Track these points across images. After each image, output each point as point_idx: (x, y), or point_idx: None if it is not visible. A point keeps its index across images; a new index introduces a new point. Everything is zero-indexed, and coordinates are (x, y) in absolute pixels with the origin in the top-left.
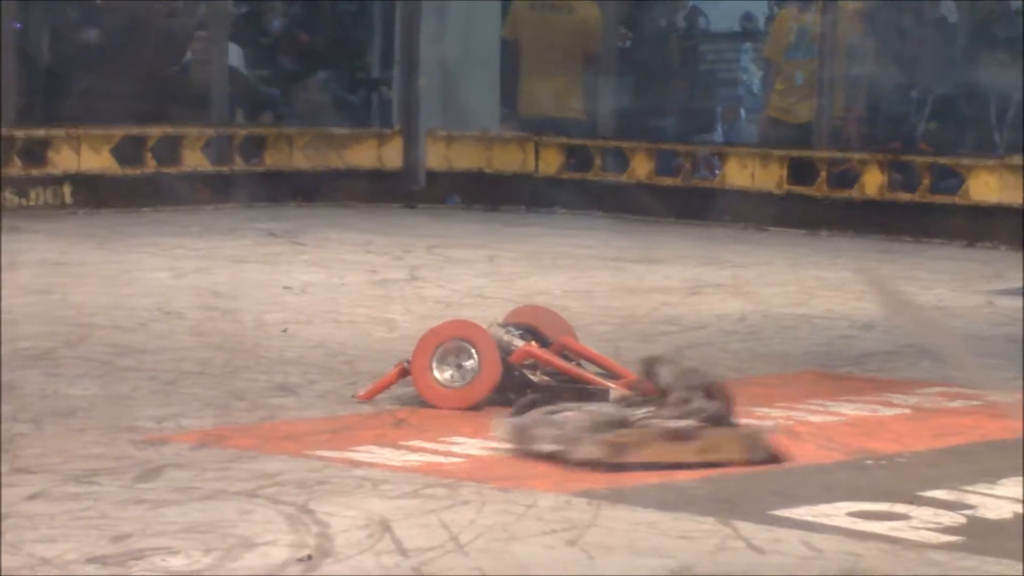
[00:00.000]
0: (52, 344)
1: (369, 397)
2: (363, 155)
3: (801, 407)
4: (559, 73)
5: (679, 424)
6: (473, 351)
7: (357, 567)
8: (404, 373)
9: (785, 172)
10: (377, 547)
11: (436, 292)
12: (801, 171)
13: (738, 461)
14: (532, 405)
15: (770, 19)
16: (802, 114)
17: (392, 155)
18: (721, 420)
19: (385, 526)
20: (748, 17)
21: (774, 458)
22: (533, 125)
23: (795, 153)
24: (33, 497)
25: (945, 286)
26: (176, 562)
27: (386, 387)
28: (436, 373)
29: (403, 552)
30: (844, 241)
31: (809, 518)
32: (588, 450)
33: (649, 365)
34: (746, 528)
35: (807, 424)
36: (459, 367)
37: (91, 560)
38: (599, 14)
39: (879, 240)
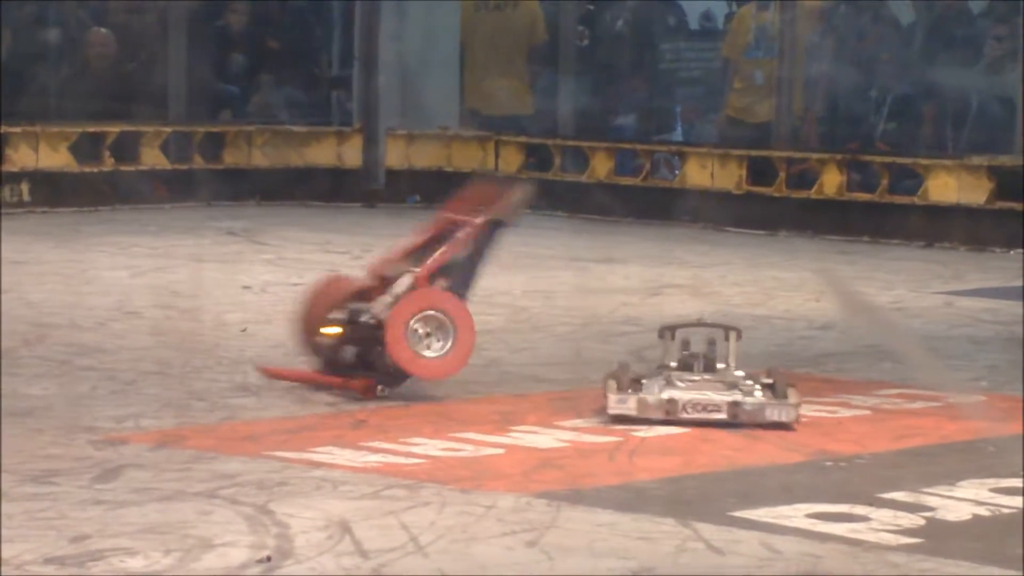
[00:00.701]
0: (10, 343)
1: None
2: (322, 154)
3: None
4: (507, 71)
5: None
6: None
7: (317, 568)
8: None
9: (744, 172)
10: (337, 548)
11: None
12: (760, 171)
13: None
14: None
15: (729, 18)
16: (761, 114)
17: (352, 154)
18: None
19: (345, 527)
20: (707, 16)
21: None
22: (488, 123)
23: (754, 153)
24: None
25: (904, 286)
26: (135, 563)
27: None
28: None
29: (363, 553)
30: (803, 241)
31: (769, 519)
32: None
33: None
34: (706, 529)
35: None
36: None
37: (49, 560)
38: (538, 9)
39: (838, 240)
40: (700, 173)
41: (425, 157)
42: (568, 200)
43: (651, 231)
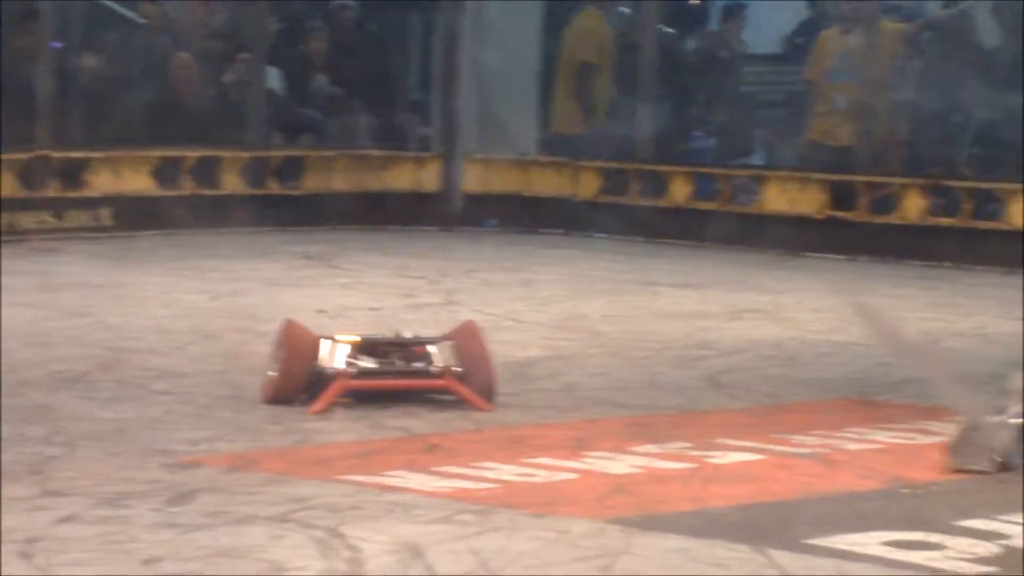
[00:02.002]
0: (87, 367)
1: (321, 410)
2: (400, 178)
3: (837, 435)
4: (582, 94)
5: None
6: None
7: None
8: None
9: (825, 197)
10: (408, 572)
11: (472, 317)
12: (841, 196)
13: None
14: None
15: (812, 41)
16: (843, 138)
17: (430, 178)
18: None
19: (416, 552)
20: (789, 39)
21: None
22: (564, 144)
23: (836, 177)
24: (65, 520)
25: (986, 313)
26: None
27: (332, 399)
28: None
29: None
30: (884, 267)
31: (843, 547)
32: None
33: None
34: (780, 556)
35: (843, 452)
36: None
37: None
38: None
39: (919, 266)
40: (780, 198)
41: (503, 182)
42: (646, 225)
43: (730, 256)
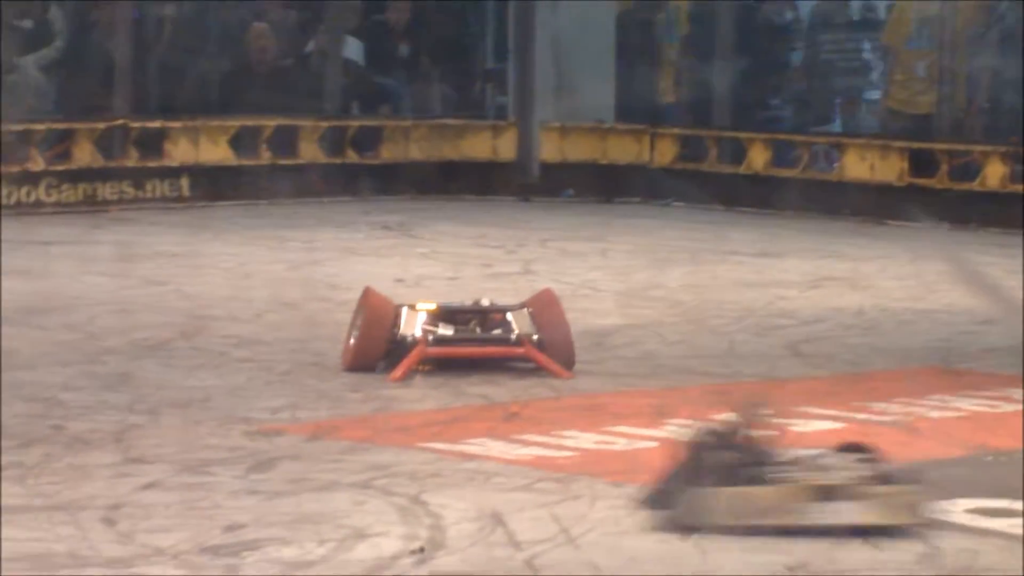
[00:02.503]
0: (169, 335)
1: (400, 378)
2: (477, 147)
3: (920, 403)
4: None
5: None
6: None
7: (469, 559)
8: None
9: (906, 164)
10: (489, 539)
11: (550, 286)
12: (922, 163)
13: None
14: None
15: (890, 8)
16: (923, 105)
17: (506, 147)
18: (885, 478)
19: (497, 519)
20: (868, 6)
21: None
22: (641, 112)
23: (916, 145)
24: (147, 487)
25: None
26: (289, 553)
27: (412, 366)
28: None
29: (515, 545)
30: (965, 234)
31: (927, 514)
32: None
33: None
34: None
35: (926, 420)
36: None
37: (204, 550)
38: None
39: (1000, 233)
40: (860, 165)
41: (579, 150)
42: (724, 192)
43: (809, 224)
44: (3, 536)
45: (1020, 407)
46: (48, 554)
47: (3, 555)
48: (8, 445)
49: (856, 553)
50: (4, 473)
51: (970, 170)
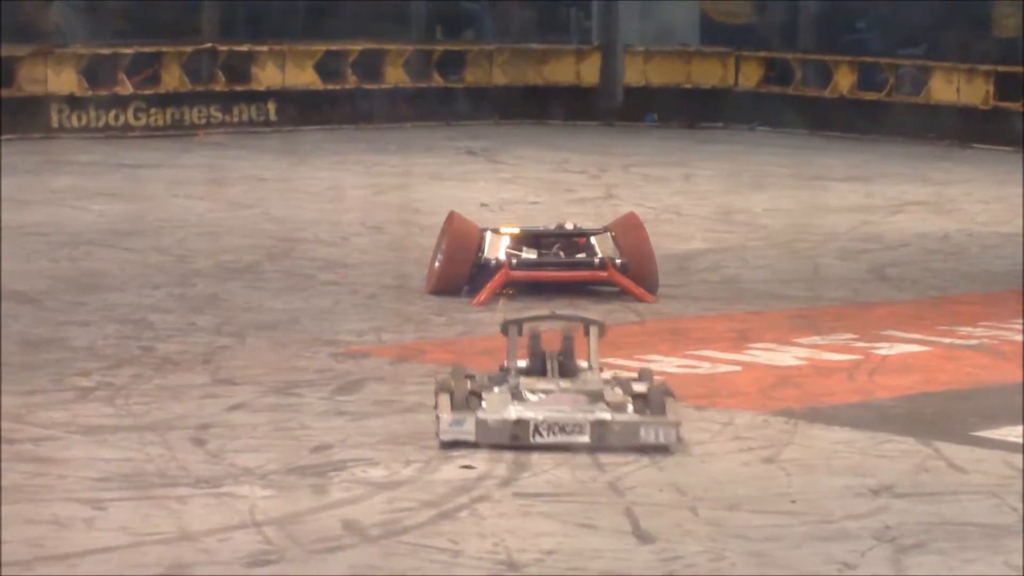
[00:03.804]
0: (255, 258)
1: (484, 301)
2: (561, 72)
3: (1004, 326)
4: None
5: None
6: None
7: (553, 480)
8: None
9: (991, 88)
10: (573, 461)
11: (633, 211)
12: (1007, 86)
13: None
14: None
15: None
16: (1009, 28)
17: (590, 72)
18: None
19: None
20: None
21: None
22: (724, 34)
23: (1002, 68)
24: (235, 408)
25: None
26: (376, 473)
27: (495, 290)
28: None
29: (599, 467)
30: None
31: (1012, 438)
32: None
33: None
34: (947, 448)
35: (1011, 343)
36: None
37: (292, 470)
38: None
39: None
40: (946, 88)
41: (664, 74)
42: (809, 116)
43: (895, 148)
44: (95, 455)
45: None
46: (138, 473)
47: (95, 474)
48: (99, 366)
49: (941, 476)
50: (95, 393)
51: None
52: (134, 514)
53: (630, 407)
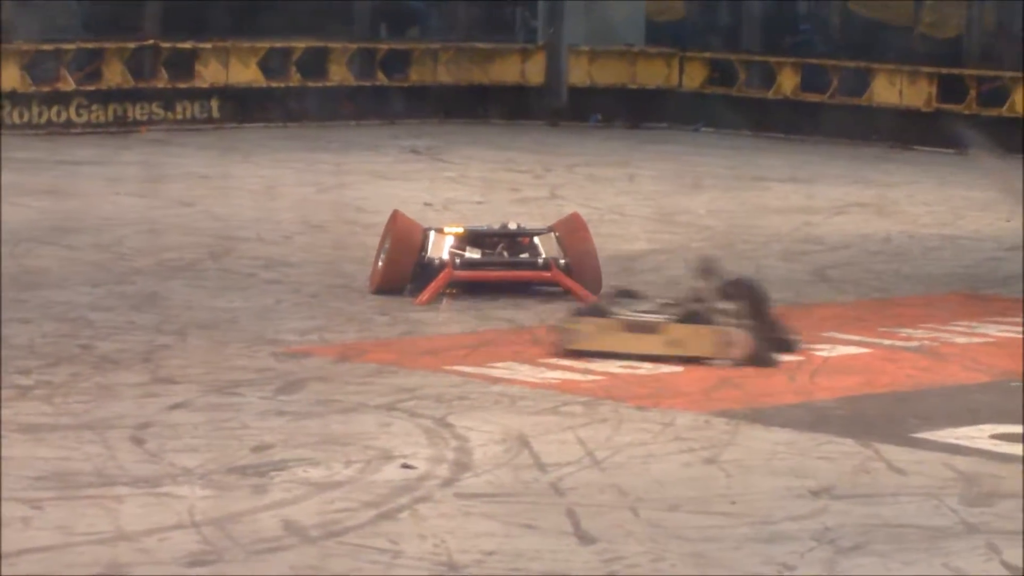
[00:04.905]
0: (196, 256)
1: (427, 301)
2: (506, 71)
3: (946, 328)
4: None
5: (646, 318)
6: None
7: (495, 481)
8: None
9: (934, 90)
10: (515, 462)
11: (576, 211)
12: (950, 89)
13: (708, 356)
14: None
15: None
16: (951, 29)
17: (535, 71)
18: (694, 318)
19: (523, 441)
20: None
21: (751, 359)
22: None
23: (944, 70)
24: (176, 407)
25: None
26: (317, 473)
27: (439, 289)
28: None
29: (541, 467)
30: (993, 161)
31: (951, 440)
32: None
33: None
34: (887, 450)
35: (952, 345)
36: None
37: (231, 470)
38: None
39: None
40: (889, 90)
41: (608, 74)
42: (753, 117)
43: (838, 149)
44: (32, 454)
45: None
46: (76, 472)
47: (32, 473)
48: (37, 364)
49: (881, 477)
50: (34, 392)
51: (998, 95)
52: (71, 513)
53: None
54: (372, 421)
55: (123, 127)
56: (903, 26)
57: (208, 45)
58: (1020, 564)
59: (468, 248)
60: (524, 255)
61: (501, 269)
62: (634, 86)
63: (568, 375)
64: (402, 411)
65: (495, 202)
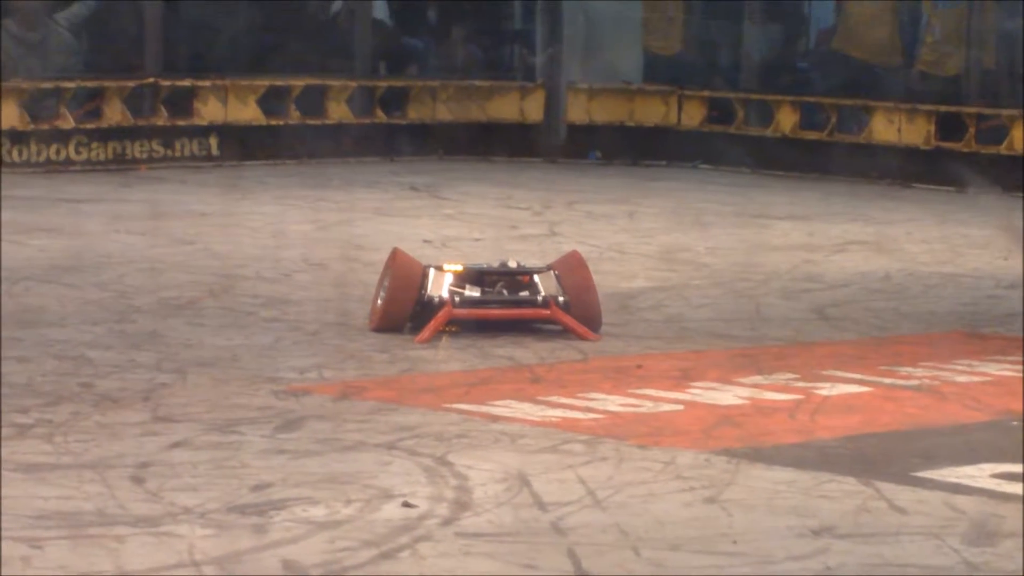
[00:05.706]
0: (196, 294)
1: (427, 339)
2: (505, 108)
3: (946, 367)
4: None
5: None
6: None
7: (496, 520)
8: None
9: (933, 127)
10: (515, 501)
11: (576, 248)
12: (949, 126)
13: None
14: None
15: None
16: (951, 67)
17: (534, 108)
18: None
19: (523, 480)
20: None
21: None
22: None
23: (943, 108)
24: (176, 446)
25: None
26: (316, 512)
27: (439, 327)
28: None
29: (541, 506)
30: (992, 199)
31: (952, 479)
32: None
33: None
34: (888, 489)
35: (952, 384)
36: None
37: (232, 509)
38: None
39: None
40: (887, 128)
41: (607, 112)
42: (752, 155)
43: (837, 187)
44: (32, 493)
45: None
46: (76, 512)
47: (32, 512)
48: (37, 403)
49: (882, 517)
50: (33, 431)
51: (997, 133)
52: (72, 553)
53: None
54: (372, 459)
55: (123, 165)
56: (900, 66)
57: (207, 83)
58: None
59: (468, 286)
60: (524, 293)
61: (500, 307)
62: (632, 123)
63: (569, 413)
64: (402, 449)
65: (494, 239)
